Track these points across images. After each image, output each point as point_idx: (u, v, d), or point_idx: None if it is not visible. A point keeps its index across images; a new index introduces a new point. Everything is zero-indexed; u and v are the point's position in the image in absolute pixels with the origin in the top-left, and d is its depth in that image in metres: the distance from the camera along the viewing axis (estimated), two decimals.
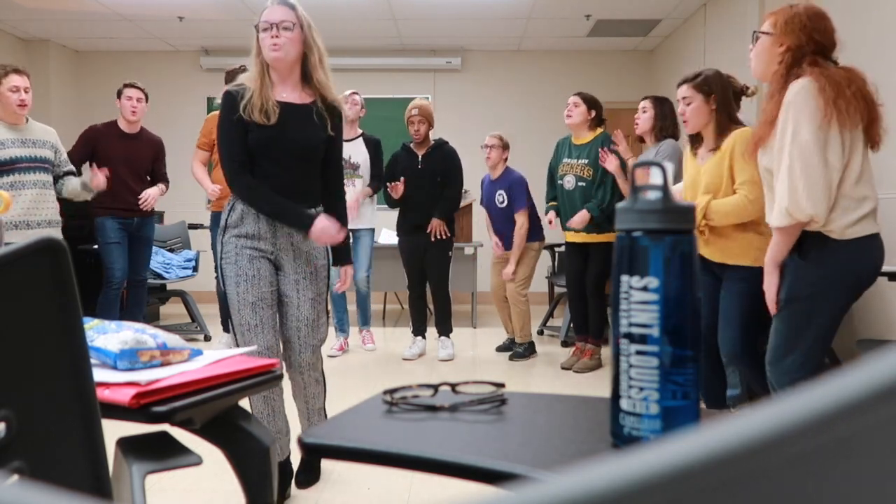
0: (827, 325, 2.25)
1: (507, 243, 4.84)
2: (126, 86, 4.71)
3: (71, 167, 4.30)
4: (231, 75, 4.43)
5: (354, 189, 4.74)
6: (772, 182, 2.26)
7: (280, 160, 2.30)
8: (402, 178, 4.66)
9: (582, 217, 4.25)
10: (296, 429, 2.65)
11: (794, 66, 2.20)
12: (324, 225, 2.27)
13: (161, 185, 4.85)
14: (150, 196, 4.70)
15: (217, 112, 2.48)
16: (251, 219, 2.30)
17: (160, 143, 4.91)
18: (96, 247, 4.76)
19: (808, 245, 2.22)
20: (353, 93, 4.83)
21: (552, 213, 4.56)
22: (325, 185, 2.44)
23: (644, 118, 4.03)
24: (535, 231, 4.80)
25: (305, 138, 2.31)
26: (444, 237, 4.64)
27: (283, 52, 2.23)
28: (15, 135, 3.99)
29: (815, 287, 2.21)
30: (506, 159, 4.90)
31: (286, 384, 2.44)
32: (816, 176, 2.10)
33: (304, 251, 2.35)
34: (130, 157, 4.69)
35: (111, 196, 4.53)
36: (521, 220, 4.71)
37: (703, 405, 3.00)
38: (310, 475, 2.59)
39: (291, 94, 2.32)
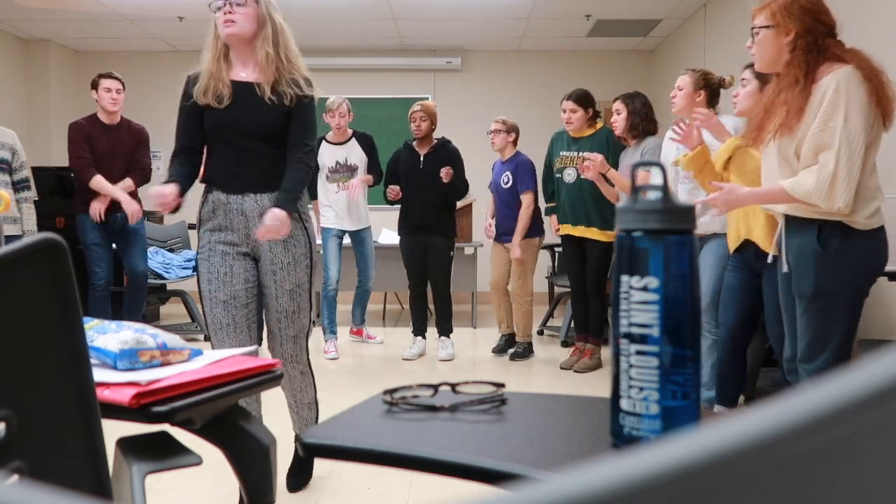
0: (855, 317, 2.21)
1: (504, 234, 4.77)
2: (102, 76, 4.52)
3: (26, 174, 4.26)
4: None
5: (346, 193, 4.73)
6: (791, 164, 2.20)
7: (236, 143, 2.21)
8: (398, 187, 4.64)
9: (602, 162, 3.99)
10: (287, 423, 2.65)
11: (812, 50, 2.12)
12: (156, 190, 2.14)
13: (130, 182, 4.53)
14: (134, 210, 4.45)
15: None
16: (222, 210, 2.23)
17: (143, 132, 4.73)
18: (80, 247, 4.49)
19: (829, 235, 2.16)
20: (343, 101, 4.72)
21: (554, 218, 4.54)
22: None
23: (619, 119, 4.02)
24: (535, 226, 4.75)
25: (258, 119, 2.20)
26: (449, 179, 4.52)
27: (238, 27, 2.17)
28: None
29: (844, 279, 2.17)
30: (514, 142, 4.85)
31: None
32: (857, 168, 2.06)
33: (282, 241, 2.24)
34: (116, 150, 4.54)
35: (96, 192, 4.42)
36: (527, 199, 4.65)
37: (716, 405, 2.99)
38: (301, 478, 2.56)
39: (252, 73, 2.23)
